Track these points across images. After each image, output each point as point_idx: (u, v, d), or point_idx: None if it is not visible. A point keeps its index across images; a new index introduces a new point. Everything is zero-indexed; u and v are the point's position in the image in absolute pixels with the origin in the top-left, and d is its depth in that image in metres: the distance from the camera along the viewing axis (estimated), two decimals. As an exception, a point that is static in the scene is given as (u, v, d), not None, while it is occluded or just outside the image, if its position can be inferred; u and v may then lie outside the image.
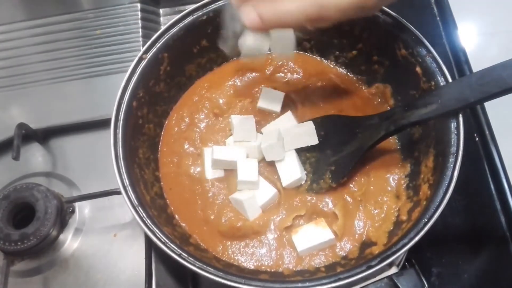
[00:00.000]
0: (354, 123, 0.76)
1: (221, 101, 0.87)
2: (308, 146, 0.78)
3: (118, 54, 0.94)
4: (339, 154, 0.76)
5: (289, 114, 0.83)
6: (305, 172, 0.79)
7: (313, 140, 0.78)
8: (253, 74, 0.90)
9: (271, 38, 0.67)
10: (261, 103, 0.84)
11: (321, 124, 0.79)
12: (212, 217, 0.76)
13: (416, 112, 0.68)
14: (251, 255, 0.74)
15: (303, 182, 0.78)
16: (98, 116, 0.86)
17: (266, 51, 0.70)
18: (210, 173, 0.80)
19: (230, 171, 0.79)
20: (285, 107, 0.85)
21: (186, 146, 0.83)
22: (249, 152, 0.79)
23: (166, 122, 0.85)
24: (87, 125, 0.88)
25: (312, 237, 0.73)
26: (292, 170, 0.77)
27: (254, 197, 0.75)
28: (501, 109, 0.86)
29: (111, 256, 0.78)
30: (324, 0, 0.57)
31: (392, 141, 0.82)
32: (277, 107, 0.84)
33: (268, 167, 0.80)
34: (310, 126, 0.78)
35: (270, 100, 0.84)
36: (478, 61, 0.89)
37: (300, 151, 0.79)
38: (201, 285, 0.78)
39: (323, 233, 0.73)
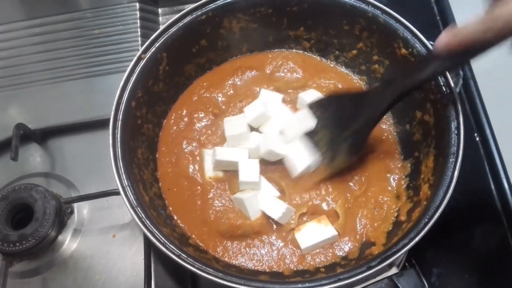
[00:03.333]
0: (359, 97, 0.75)
1: (220, 100, 0.86)
2: (319, 127, 0.77)
3: (117, 54, 0.94)
4: (351, 129, 0.75)
5: (283, 107, 0.82)
6: (321, 152, 0.77)
7: (311, 122, 0.77)
8: (253, 72, 0.89)
9: None
10: None
11: (326, 104, 0.77)
12: (212, 217, 0.76)
13: (418, 73, 0.67)
14: (252, 256, 0.73)
15: (314, 168, 0.77)
16: (97, 116, 0.86)
17: None
18: (211, 174, 0.79)
19: (231, 171, 0.79)
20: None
21: (184, 146, 0.83)
22: (250, 153, 0.78)
23: (165, 121, 0.85)
24: (86, 125, 0.87)
25: (316, 235, 0.73)
26: (300, 159, 0.76)
27: (255, 196, 0.75)
28: (502, 109, 0.85)
29: (110, 257, 0.77)
30: None
31: (392, 141, 0.82)
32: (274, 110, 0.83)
33: (271, 165, 0.79)
34: (304, 112, 0.78)
35: (269, 102, 0.83)
36: (478, 61, 0.89)
37: (312, 133, 0.78)
38: (201, 286, 0.77)
39: (326, 230, 0.73)
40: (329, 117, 0.77)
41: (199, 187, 0.79)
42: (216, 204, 0.77)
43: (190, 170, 0.80)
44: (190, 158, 0.81)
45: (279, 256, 0.73)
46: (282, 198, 0.77)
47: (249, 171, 0.75)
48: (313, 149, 0.77)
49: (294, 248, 0.74)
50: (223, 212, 0.76)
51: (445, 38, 0.58)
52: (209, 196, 0.78)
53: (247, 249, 0.74)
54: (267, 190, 0.77)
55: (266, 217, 0.75)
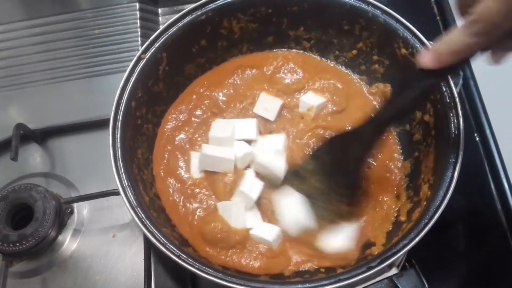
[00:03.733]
0: (343, 139, 0.71)
1: (220, 100, 0.86)
2: (312, 184, 0.73)
3: (117, 54, 0.94)
4: (343, 179, 0.71)
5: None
6: (317, 215, 0.72)
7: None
8: (253, 71, 0.89)
9: None
10: (257, 109, 0.84)
11: (320, 153, 0.74)
12: (196, 222, 0.75)
13: (399, 100, 0.64)
14: (246, 261, 0.72)
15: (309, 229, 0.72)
16: (97, 117, 0.86)
17: None
18: (197, 176, 0.79)
19: (214, 174, 0.78)
20: (282, 113, 0.85)
21: (177, 143, 0.82)
22: (237, 161, 0.78)
23: (163, 120, 0.84)
24: (86, 125, 0.87)
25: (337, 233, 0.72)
26: (296, 219, 0.72)
27: (241, 204, 0.74)
28: (502, 109, 0.85)
29: (110, 257, 0.77)
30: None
31: (393, 141, 0.82)
32: (272, 115, 0.83)
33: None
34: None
35: (267, 107, 0.83)
36: (478, 61, 0.89)
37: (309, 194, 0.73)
38: (200, 286, 0.77)
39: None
40: (319, 171, 0.73)
41: (187, 189, 0.78)
42: (199, 210, 0.76)
43: (178, 171, 0.80)
44: (182, 157, 0.81)
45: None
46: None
47: (253, 186, 0.74)
48: (309, 212, 0.72)
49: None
50: (207, 219, 0.74)
51: (430, 55, 0.56)
52: (196, 200, 0.77)
53: (234, 256, 0.72)
54: (256, 216, 0.75)
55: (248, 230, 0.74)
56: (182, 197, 0.78)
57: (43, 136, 0.88)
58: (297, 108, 0.85)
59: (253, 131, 0.80)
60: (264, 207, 0.76)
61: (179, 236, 0.73)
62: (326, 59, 0.90)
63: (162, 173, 0.80)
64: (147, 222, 0.65)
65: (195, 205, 0.77)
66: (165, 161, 0.81)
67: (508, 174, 0.82)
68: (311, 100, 0.83)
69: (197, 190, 0.78)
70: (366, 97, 0.87)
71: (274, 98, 0.85)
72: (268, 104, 0.83)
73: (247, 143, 0.80)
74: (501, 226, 0.80)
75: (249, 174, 0.76)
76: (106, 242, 0.79)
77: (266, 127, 0.84)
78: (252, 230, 0.73)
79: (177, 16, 0.79)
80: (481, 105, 0.89)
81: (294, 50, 0.91)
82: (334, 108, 0.84)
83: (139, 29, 0.97)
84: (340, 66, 0.90)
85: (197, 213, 0.76)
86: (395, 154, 0.81)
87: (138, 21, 0.98)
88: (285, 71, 0.89)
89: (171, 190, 0.78)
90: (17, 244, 0.72)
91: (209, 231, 0.72)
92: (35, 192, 0.75)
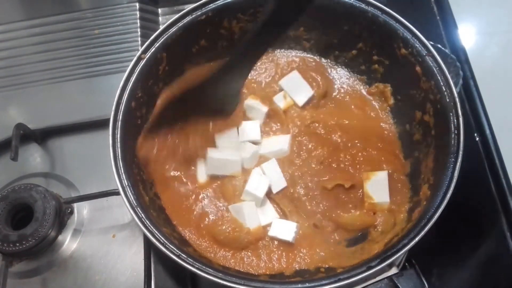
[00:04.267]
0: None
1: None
2: None
3: (117, 54, 0.94)
4: None
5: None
6: None
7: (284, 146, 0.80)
8: None
9: None
10: (242, 138, 0.81)
11: None
12: (209, 224, 0.75)
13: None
14: (253, 263, 0.72)
15: None
16: (97, 117, 0.86)
17: None
18: (204, 179, 0.79)
19: (223, 178, 0.78)
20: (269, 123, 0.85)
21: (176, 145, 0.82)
22: (244, 162, 0.78)
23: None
24: (86, 125, 0.87)
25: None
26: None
27: (251, 203, 0.74)
28: (502, 109, 0.85)
29: (110, 257, 0.78)
30: None
31: (393, 141, 0.82)
32: (258, 135, 0.81)
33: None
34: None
35: (249, 130, 0.82)
36: (478, 61, 0.89)
37: None
38: (201, 285, 0.78)
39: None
40: None
41: (193, 192, 0.78)
42: (208, 213, 0.76)
43: (182, 173, 0.79)
44: (183, 159, 0.80)
45: (279, 258, 0.73)
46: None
47: (258, 184, 0.75)
48: None
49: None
50: (219, 222, 0.75)
51: None
52: (203, 202, 0.77)
53: (245, 258, 0.73)
54: (269, 211, 0.76)
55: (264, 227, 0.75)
56: (188, 200, 0.77)
57: (43, 136, 0.88)
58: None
59: (257, 133, 0.81)
60: (277, 200, 0.77)
61: (179, 236, 0.73)
62: (326, 59, 0.90)
63: (164, 174, 0.79)
64: (147, 222, 0.65)
65: (203, 207, 0.77)
66: (166, 161, 0.80)
67: (508, 174, 0.82)
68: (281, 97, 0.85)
69: (204, 193, 0.78)
70: (366, 97, 0.87)
71: (252, 121, 0.83)
72: (249, 128, 0.82)
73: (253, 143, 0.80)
74: (501, 226, 0.80)
75: (255, 172, 0.77)
76: (106, 242, 0.79)
77: (271, 128, 0.84)
78: (270, 232, 0.74)
79: (177, 16, 0.79)
80: (481, 105, 0.88)
81: (294, 50, 0.91)
82: (315, 95, 0.85)
83: (139, 29, 0.97)
84: (340, 66, 0.90)
85: (207, 215, 0.76)
86: (395, 154, 0.81)
87: (138, 21, 0.98)
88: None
89: (174, 192, 0.78)
90: (17, 244, 0.72)
91: (222, 231, 0.73)
92: (35, 192, 0.75)
